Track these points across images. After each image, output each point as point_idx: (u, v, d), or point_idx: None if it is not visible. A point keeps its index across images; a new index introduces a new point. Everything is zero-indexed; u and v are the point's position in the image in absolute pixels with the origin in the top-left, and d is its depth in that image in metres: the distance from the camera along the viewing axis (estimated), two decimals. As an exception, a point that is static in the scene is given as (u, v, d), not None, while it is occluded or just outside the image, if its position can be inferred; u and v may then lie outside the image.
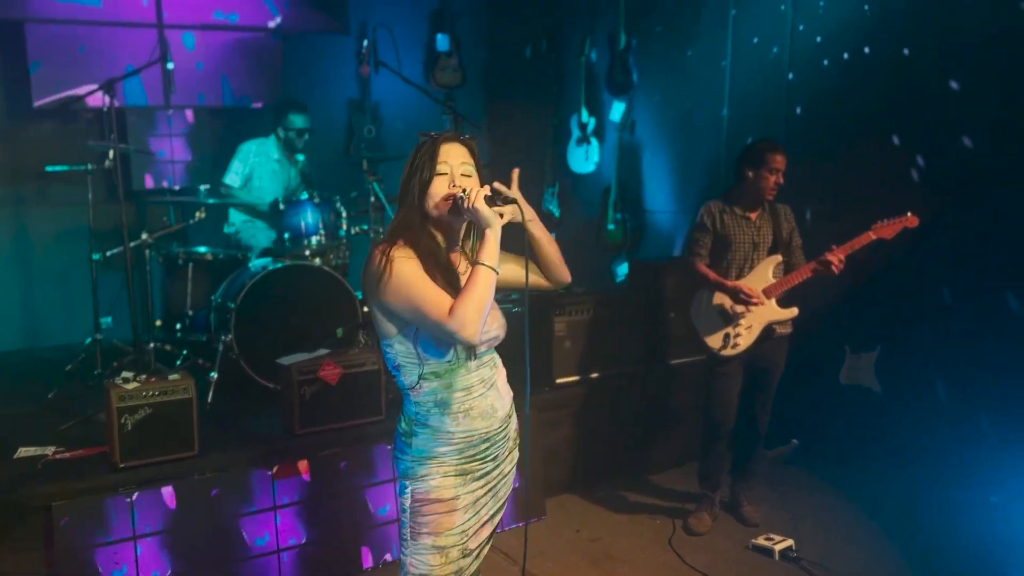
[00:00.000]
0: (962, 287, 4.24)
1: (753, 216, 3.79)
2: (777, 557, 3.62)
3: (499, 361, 2.21)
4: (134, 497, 3.05)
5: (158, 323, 4.46)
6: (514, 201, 1.95)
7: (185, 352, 4.33)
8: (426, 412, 2.06)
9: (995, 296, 4.07)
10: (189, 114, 5.43)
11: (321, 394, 3.56)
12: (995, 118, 4.01)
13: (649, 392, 4.57)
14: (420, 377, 2.03)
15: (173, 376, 3.27)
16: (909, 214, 3.60)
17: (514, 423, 2.24)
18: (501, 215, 1.93)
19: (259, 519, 3.30)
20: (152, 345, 4.18)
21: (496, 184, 1.97)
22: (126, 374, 3.22)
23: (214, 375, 3.93)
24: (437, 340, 1.98)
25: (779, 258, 3.80)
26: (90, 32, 5.12)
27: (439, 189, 1.99)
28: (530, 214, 2.05)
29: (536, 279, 2.20)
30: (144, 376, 3.22)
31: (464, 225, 2.08)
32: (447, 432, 2.06)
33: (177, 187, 5.18)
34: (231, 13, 5.54)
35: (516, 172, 2.03)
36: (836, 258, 3.55)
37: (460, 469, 2.09)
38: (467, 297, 1.89)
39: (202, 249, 4.46)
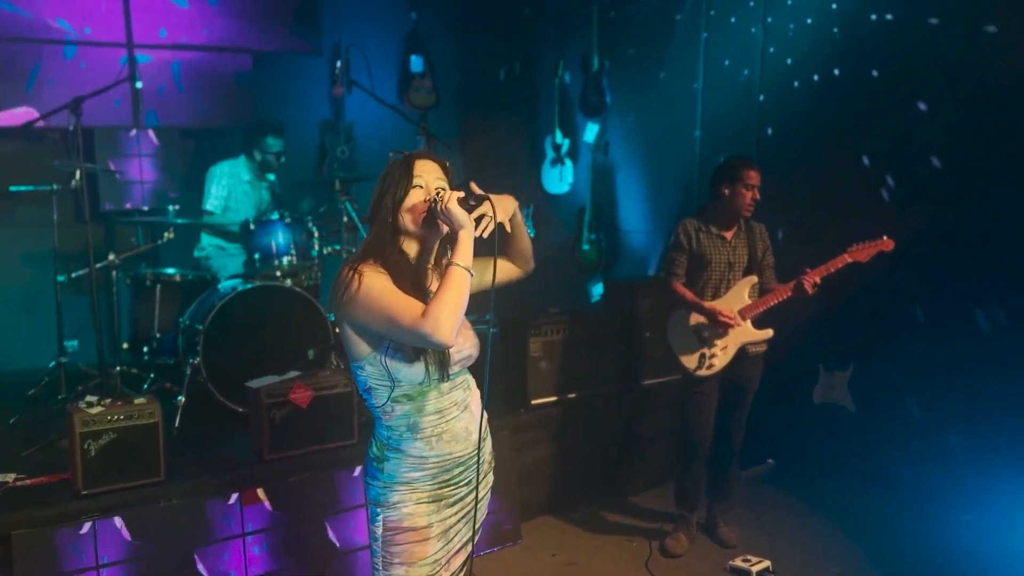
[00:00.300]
0: (934, 306, 4.28)
1: (728, 235, 3.79)
2: (754, 579, 3.59)
3: (473, 383, 2.17)
4: (97, 525, 2.96)
5: (125, 346, 4.37)
6: (487, 199, 1.93)
7: (152, 376, 4.24)
8: (398, 436, 2.01)
9: (966, 315, 4.10)
10: (157, 134, 5.36)
11: (291, 418, 3.49)
12: (963, 139, 4.06)
13: (625, 412, 4.55)
14: (391, 400, 1.98)
15: (139, 400, 3.19)
16: (884, 237, 3.60)
17: (489, 446, 2.19)
18: (477, 221, 1.93)
19: (227, 547, 3.21)
20: (118, 368, 4.09)
21: (471, 184, 1.99)
22: (90, 398, 3.13)
23: (181, 399, 3.85)
24: (408, 359, 1.93)
25: (755, 279, 3.80)
26: (57, 51, 5.05)
27: (415, 201, 1.98)
28: (507, 211, 2.06)
29: (505, 274, 2.22)
30: (109, 400, 3.14)
31: (438, 243, 2.06)
32: (420, 457, 2.01)
33: (146, 208, 5.09)
34: (201, 33, 5.49)
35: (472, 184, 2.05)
36: (810, 281, 3.55)
37: (434, 495, 2.05)
38: (440, 297, 1.85)
39: (170, 271, 4.38)
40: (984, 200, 3.98)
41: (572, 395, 4.36)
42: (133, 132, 5.13)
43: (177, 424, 3.78)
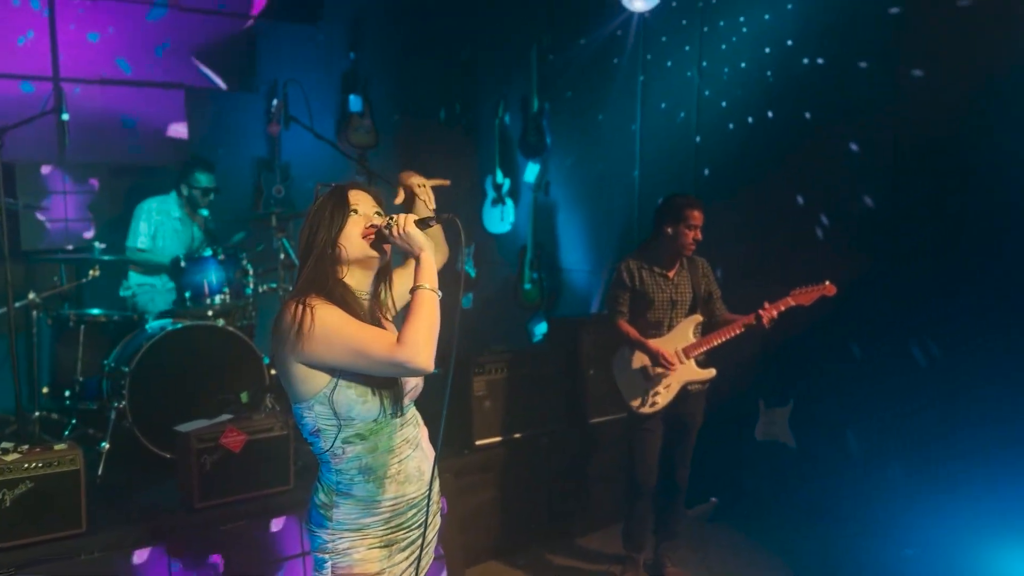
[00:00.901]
0: (869, 341, 4.36)
1: (671, 274, 3.80)
2: (703, 620, 3.54)
3: (420, 419, 2.10)
4: (9, 583, 2.75)
5: (45, 390, 4.12)
6: (448, 219, 1.94)
7: (74, 421, 4.01)
8: (349, 481, 1.92)
9: (901, 349, 4.19)
10: (84, 171, 5.16)
11: (223, 463, 3.32)
12: (892, 178, 4.19)
13: (571, 452, 4.49)
14: (343, 441, 1.90)
15: (59, 446, 2.99)
16: (827, 283, 3.66)
17: (437, 486, 2.10)
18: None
19: (153, 602, 3.02)
20: (37, 414, 3.85)
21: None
22: (5, 444, 2.93)
23: (105, 445, 3.64)
24: (361, 394, 1.86)
25: (700, 318, 3.80)
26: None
27: (356, 228, 1.93)
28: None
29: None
30: (26, 447, 2.94)
31: (375, 272, 2.00)
32: (373, 501, 1.93)
33: (70, 247, 4.87)
34: (132, 67, 5.35)
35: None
36: (767, 317, 3.59)
37: (386, 540, 1.97)
38: (414, 322, 1.80)
39: (95, 311, 4.18)
40: (914, 237, 4.10)
41: (517, 435, 4.28)
42: (48, 169, 4.93)
43: (100, 472, 3.56)
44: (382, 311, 2.03)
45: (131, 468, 3.71)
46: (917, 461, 4.13)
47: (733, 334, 3.68)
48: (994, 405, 3.79)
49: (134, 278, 4.59)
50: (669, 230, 3.73)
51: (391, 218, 1.90)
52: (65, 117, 3.62)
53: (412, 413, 2.04)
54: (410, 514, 2.00)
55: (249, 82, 6.00)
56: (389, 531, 1.97)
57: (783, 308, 3.63)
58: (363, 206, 1.96)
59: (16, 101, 4.76)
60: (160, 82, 5.43)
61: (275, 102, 6.17)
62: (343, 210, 1.93)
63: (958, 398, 3.92)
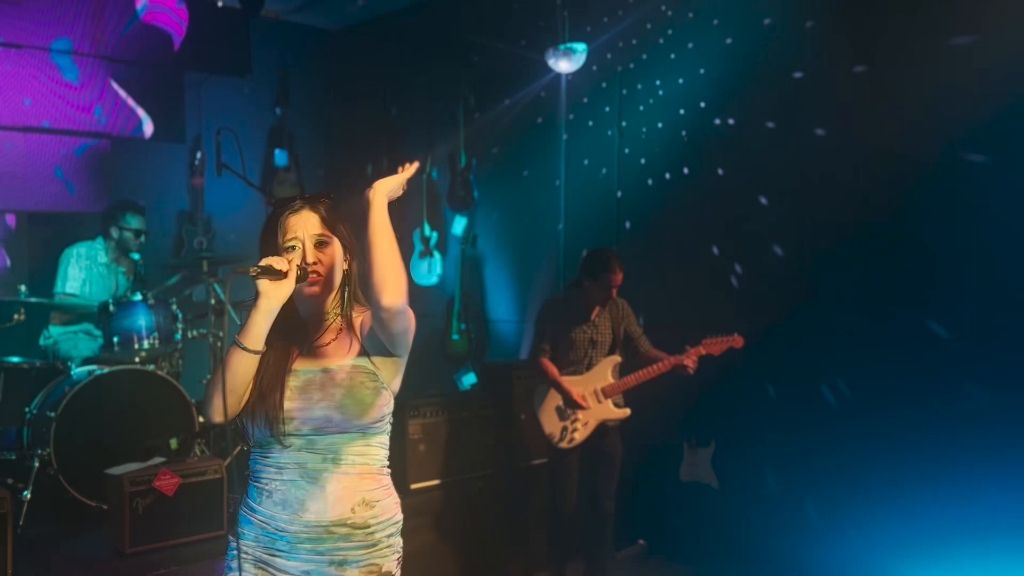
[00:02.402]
0: (784, 383, 4.60)
1: (592, 316, 4.00)
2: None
3: (354, 460, 1.87)
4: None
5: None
6: (282, 276, 1.79)
7: (-11, 474, 3.84)
8: (247, 476, 1.92)
9: (812, 389, 4.43)
10: (9, 219, 5.04)
11: (156, 507, 3.26)
12: (799, 228, 4.50)
13: (507, 495, 4.53)
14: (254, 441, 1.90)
15: (-16, 490, 2.88)
16: (736, 335, 3.96)
17: (355, 552, 1.87)
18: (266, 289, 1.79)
19: (80, 653, 2.90)
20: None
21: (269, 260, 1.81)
22: (-75, 489, 2.80)
23: (27, 494, 3.50)
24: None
25: (618, 359, 4.02)
26: None
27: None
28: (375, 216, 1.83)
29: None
30: (-51, 490, 2.82)
31: (334, 294, 1.94)
32: (251, 505, 1.89)
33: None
34: (56, 116, 5.29)
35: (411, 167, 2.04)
36: (691, 360, 3.87)
37: (258, 557, 1.86)
38: (213, 376, 1.83)
39: (15, 359, 4.05)
40: (821, 283, 4.38)
41: (452, 479, 4.30)
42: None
43: (21, 523, 3.42)
44: (350, 330, 1.94)
45: (54, 519, 3.59)
46: (831, 500, 4.35)
47: (650, 376, 3.92)
48: (899, 443, 4.02)
49: (54, 329, 4.46)
50: (590, 283, 3.95)
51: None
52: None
53: (330, 445, 1.85)
54: (281, 544, 1.85)
55: (176, 133, 6.00)
56: (262, 548, 1.87)
57: (695, 356, 3.90)
58: (301, 231, 1.87)
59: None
60: (85, 130, 5.38)
61: (198, 155, 6.19)
62: (274, 241, 1.88)
63: (866, 437, 4.14)
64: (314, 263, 1.86)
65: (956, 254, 3.82)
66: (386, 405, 1.90)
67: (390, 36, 6.67)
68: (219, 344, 4.37)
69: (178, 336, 4.20)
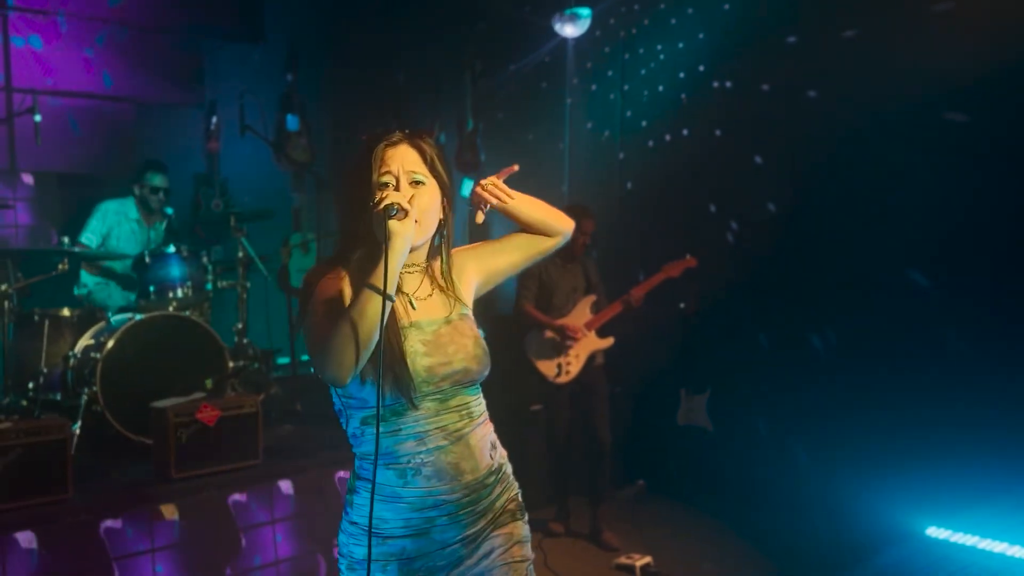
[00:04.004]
0: (776, 332, 4.88)
1: (571, 265, 4.49)
2: (639, 573, 3.92)
3: (480, 410, 1.77)
4: (3, 542, 2.90)
5: (7, 382, 4.22)
6: (404, 215, 1.59)
7: (37, 413, 4.12)
8: (370, 464, 1.69)
9: (802, 340, 4.71)
10: (32, 179, 5.28)
11: (198, 437, 3.54)
12: (792, 186, 4.75)
13: (505, 439, 4.80)
14: (362, 422, 1.71)
15: (46, 417, 3.17)
16: (688, 256, 4.52)
17: (500, 494, 1.79)
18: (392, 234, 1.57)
19: (137, 563, 3.20)
20: (7, 400, 3.96)
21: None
22: (-4, 415, 3.09)
23: (76, 427, 3.79)
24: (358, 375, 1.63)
25: (594, 297, 4.52)
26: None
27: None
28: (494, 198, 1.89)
29: (528, 252, 1.97)
30: (16, 417, 3.11)
31: (428, 243, 1.77)
32: (394, 491, 1.69)
33: (26, 246, 4.98)
34: (85, 80, 5.51)
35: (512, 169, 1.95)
36: (636, 296, 4.39)
37: (402, 547, 1.70)
38: (330, 329, 1.55)
39: (57, 306, 4.31)
40: (811, 238, 4.64)
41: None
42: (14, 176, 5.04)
43: (73, 453, 3.70)
44: (444, 288, 1.79)
45: (102, 449, 3.87)
46: (816, 439, 4.62)
47: (618, 310, 4.41)
48: (882, 388, 4.27)
49: (86, 277, 4.72)
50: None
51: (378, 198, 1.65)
52: (37, 119, 3.80)
53: (461, 400, 1.72)
54: (440, 520, 1.70)
55: (196, 98, 6.21)
56: (413, 531, 1.71)
57: (658, 281, 4.45)
58: (395, 166, 1.69)
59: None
60: (112, 95, 5.60)
61: (214, 120, 6.41)
62: (367, 177, 1.69)
63: (852, 383, 4.39)
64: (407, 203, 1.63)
65: (938, 208, 4.04)
66: (488, 357, 1.79)
67: (397, 2, 6.86)
68: (245, 296, 4.65)
69: (209, 286, 4.46)
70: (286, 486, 3.67)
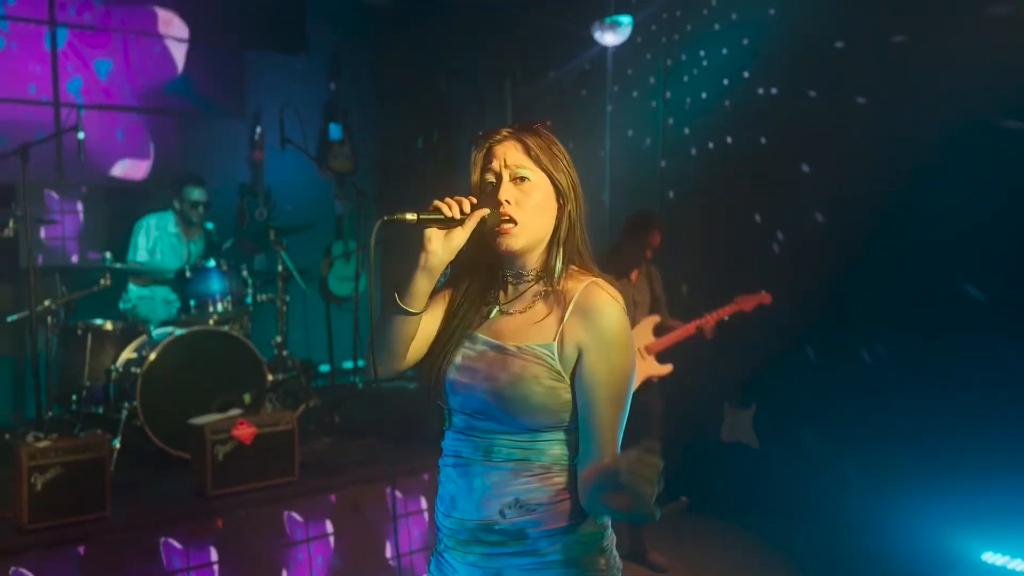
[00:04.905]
0: (823, 346, 4.73)
1: (633, 277, 4.22)
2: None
3: (507, 455, 1.52)
4: (41, 561, 2.93)
5: (52, 396, 4.30)
6: (453, 223, 1.49)
7: (80, 426, 4.18)
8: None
9: (852, 353, 4.56)
10: (82, 190, 5.38)
11: (235, 454, 3.55)
12: (839, 195, 4.61)
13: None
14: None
15: (85, 434, 3.20)
16: (763, 292, 4.21)
17: (542, 569, 1.52)
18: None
19: (173, 581, 3.22)
20: (50, 413, 4.03)
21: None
22: (36, 433, 3.13)
23: (116, 442, 3.83)
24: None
25: (657, 319, 4.24)
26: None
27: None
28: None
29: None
30: (55, 435, 3.14)
31: (536, 252, 1.61)
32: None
33: (74, 259, 5.08)
34: (129, 93, 5.60)
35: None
36: (708, 328, 4.12)
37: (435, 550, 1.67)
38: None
39: (100, 320, 4.38)
40: (861, 248, 4.48)
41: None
42: (48, 190, 5.13)
43: (112, 468, 3.75)
44: (555, 301, 1.57)
45: (140, 465, 3.91)
46: (867, 458, 4.47)
47: (681, 338, 4.15)
48: (936, 406, 4.10)
49: (133, 291, 4.79)
50: (629, 244, 4.18)
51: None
52: (81, 136, 3.85)
53: (485, 436, 1.54)
54: (446, 542, 1.61)
55: (238, 109, 6.28)
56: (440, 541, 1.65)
57: (729, 312, 4.13)
58: (497, 163, 1.56)
59: (23, 124, 4.99)
60: (155, 107, 5.68)
61: (258, 129, 6.47)
62: (472, 179, 1.58)
63: (904, 400, 4.22)
64: (505, 203, 1.51)
65: (992, 219, 3.88)
66: (563, 408, 1.51)
67: (438, 11, 6.84)
68: (284, 308, 4.67)
69: (248, 300, 4.49)
70: (323, 503, 3.67)
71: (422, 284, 1.49)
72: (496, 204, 1.52)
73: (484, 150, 1.57)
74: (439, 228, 1.47)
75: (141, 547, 3.17)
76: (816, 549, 4.24)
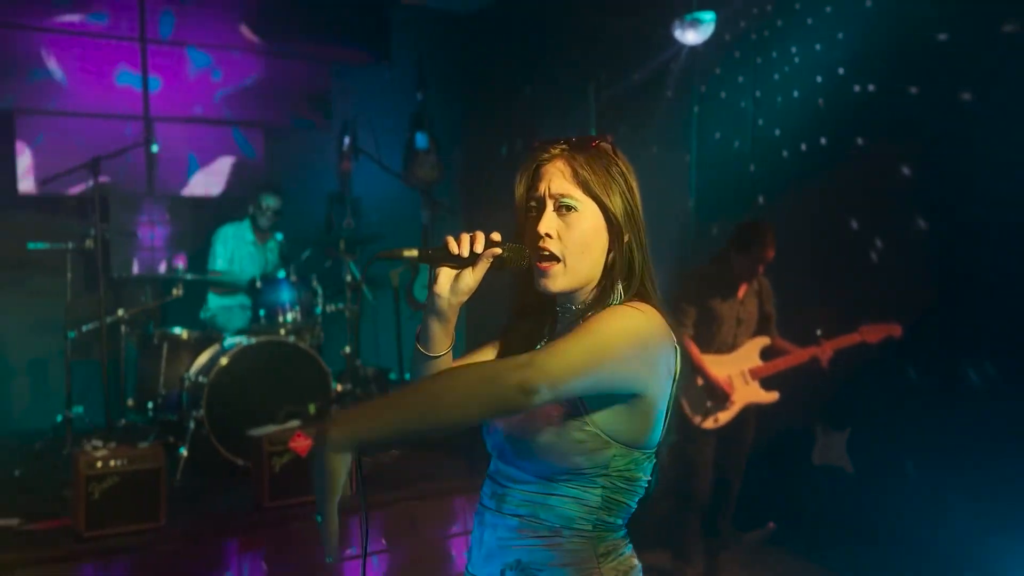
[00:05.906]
0: (925, 364, 4.34)
1: (740, 293, 3.86)
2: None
3: (518, 502, 1.39)
4: (98, 568, 2.98)
5: (130, 402, 4.43)
6: (465, 263, 1.35)
7: (154, 434, 4.30)
8: None
9: (956, 371, 4.16)
10: (168, 201, 5.56)
11: (291, 466, 3.53)
12: (944, 200, 4.22)
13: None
14: None
15: (142, 445, 3.25)
16: (893, 322, 3.84)
17: None
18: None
19: (224, 593, 3.22)
20: (123, 421, 4.15)
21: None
22: (96, 442, 3.19)
23: (183, 451, 3.90)
24: None
25: (767, 341, 3.88)
26: (78, 123, 5.30)
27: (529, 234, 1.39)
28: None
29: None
30: (113, 445, 3.20)
31: (586, 289, 1.48)
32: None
33: (160, 269, 5.26)
34: (215, 106, 5.76)
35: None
36: (827, 357, 3.82)
37: None
38: None
39: (176, 329, 4.49)
40: (967, 258, 4.10)
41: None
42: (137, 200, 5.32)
43: (178, 476, 3.82)
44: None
45: (206, 474, 3.97)
46: (976, 489, 4.08)
47: (798, 362, 3.77)
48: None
49: (213, 300, 4.90)
50: (739, 257, 3.82)
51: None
52: (155, 149, 3.95)
53: (509, 479, 1.42)
54: None
55: (325, 120, 6.38)
56: None
57: (852, 343, 3.77)
58: (542, 188, 1.39)
59: (113, 136, 5.21)
60: (241, 120, 5.82)
61: (346, 140, 6.54)
62: (520, 196, 1.41)
63: (1014, 422, 3.87)
64: (545, 237, 1.35)
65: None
66: (575, 451, 1.33)
67: (520, 17, 6.76)
68: (353, 318, 4.67)
69: (319, 310, 4.50)
70: (378, 518, 3.60)
71: (433, 327, 1.37)
72: (536, 237, 1.36)
73: (531, 169, 1.41)
74: (450, 267, 1.33)
75: (193, 556, 3.18)
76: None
